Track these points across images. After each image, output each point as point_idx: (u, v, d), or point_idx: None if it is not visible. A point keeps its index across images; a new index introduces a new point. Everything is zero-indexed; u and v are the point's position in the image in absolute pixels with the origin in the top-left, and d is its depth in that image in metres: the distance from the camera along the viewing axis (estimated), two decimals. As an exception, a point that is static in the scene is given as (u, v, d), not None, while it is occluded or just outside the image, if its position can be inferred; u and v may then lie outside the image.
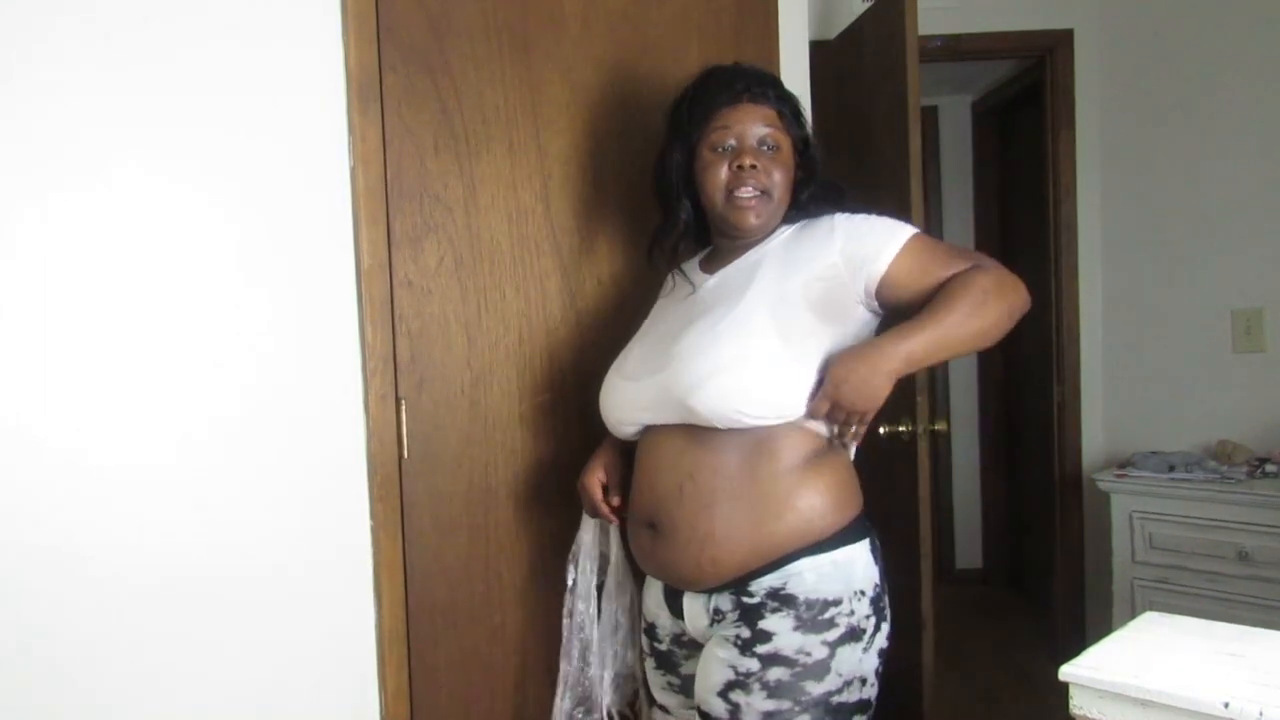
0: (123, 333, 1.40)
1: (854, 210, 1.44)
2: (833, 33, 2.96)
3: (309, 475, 1.54)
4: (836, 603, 1.31)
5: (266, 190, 1.51)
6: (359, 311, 1.58)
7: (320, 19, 1.55)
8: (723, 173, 1.42)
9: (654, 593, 1.50)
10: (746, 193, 1.41)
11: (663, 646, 1.50)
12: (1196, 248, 3.00)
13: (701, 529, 1.33)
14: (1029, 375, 3.95)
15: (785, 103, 1.47)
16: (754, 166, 1.41)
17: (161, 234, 1.43)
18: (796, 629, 1.29)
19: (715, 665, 1.34)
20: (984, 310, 1.30)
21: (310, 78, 1.54)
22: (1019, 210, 4.06)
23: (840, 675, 1.30)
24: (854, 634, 1.31)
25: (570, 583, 1.61)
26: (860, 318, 1.38)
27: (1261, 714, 1.00)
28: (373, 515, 1.59)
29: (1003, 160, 4.26)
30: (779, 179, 1.43)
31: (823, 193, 1.49)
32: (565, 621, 1.60)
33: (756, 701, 1.29)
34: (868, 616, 1.33)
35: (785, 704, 1.28)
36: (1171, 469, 2.78)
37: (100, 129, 1.38)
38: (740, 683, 1.30)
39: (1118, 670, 1.14)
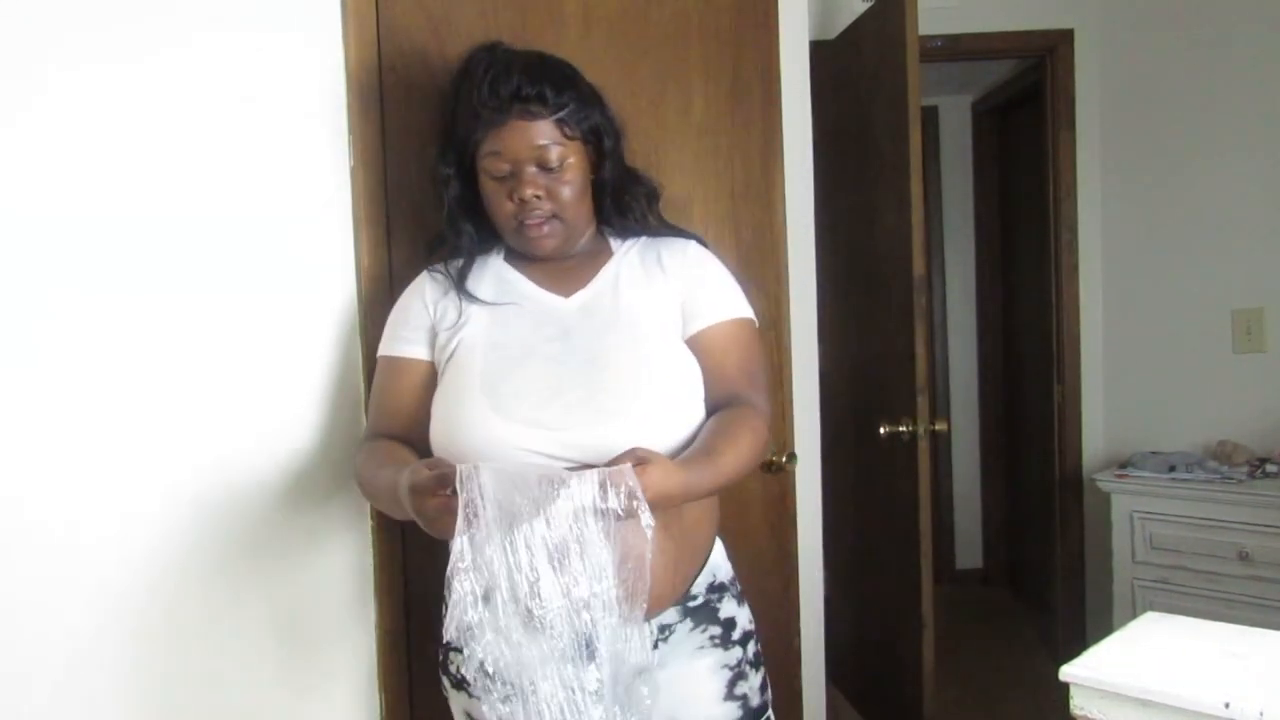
0: (120, 334, 1.40)
1: (704, 242, 1.42)
2: (833, 33, 2.97)
3: (310, 475, 1.54)
4: (733, 578, 1.39)
5: (267, 191, 1.50)
6: (359, 312, 1.58)
7: (320, 19, 1.55)
8: (507, 205, 1.32)
9: None
10: (535, 226, 1.32)
11: None
12: (1196, 248, 3.00)
13: None
14: (1029, 375, 3.95)
15: (564, 101, 1.30)
16: (537, 196, 1.30)
17: (159, 235, 1.42)
18: (740, 604, 1.36)
19: (706, 676, 1.31)
20: (752, 461, 1.28)
21: (310, 78, 1.54)
22: (1019, 210, 4.06)
23: None
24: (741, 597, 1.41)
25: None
26: None
27: (1261, 714, 1.01)
28: (372, 515, 1.59)
29: (1003, 160, 4.26)
30: (568, 196, 1.32)
31: (633, 189, 1.41)
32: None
33: (754, 681, 1.34)
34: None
35: (762, 671, 1.36)
36: (1172, 469, 2.78)
37: (99, 129, 1.38)
38: (740, 674, 1.33)
39: (1118, 670, 1.14)
